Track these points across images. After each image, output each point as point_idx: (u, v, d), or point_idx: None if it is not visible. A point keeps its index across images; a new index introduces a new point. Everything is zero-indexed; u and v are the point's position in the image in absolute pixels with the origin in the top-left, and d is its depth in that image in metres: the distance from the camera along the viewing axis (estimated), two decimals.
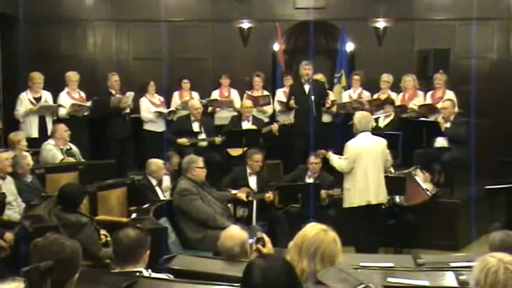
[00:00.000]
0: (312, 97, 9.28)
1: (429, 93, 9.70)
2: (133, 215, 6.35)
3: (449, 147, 8.80)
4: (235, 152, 9.09)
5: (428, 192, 7.87)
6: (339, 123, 10.21)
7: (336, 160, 7.27)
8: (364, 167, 7.00)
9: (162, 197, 7.57)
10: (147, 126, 9.99)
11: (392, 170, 7.65)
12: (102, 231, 6.02)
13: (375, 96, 10.00)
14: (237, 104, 10.18)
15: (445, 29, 11.04)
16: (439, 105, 9.22)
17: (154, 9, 11.04)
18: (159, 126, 9.95)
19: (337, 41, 11.27)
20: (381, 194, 7.09)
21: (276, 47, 11.16)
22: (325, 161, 8.26)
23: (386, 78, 9.96)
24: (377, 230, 7.18)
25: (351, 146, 7.06)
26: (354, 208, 7.06)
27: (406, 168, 8.04)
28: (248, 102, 9.58)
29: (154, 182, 7.70)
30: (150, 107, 9.95)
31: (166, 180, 7.99)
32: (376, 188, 7.03)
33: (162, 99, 10.10)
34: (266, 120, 9.94)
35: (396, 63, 10.71)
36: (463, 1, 10.93)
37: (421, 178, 7.89)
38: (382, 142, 7.16)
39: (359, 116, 7.24)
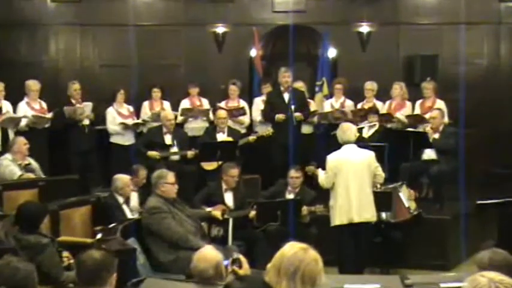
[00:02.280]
0: (292, 106, 9.30)
1: (418, 102, 9.75)
2: (99, 236, 6.28)
3: (437, 159, 8.85)
4: (209, 166, 9.06)
5: (410, 211, 7.79)
6: (320, 135, 10.23)
7: (320, 176, 7.27)
8: (345, 182, 6.99)
9: (129, 216, 7.50)
10: (114, 139, 9.93)
11: (378, 185, 7.65)
12: (65, 253, 5.91)
13: (359, 105, 10.04)
14: (210, 114, 10.21)
15: (432, 34, 11.14)
16: (427, 115, 9.28)
17: (122, 13, 11.01)
18: (127, 139, 9.90)
19: (319, 46, 11.34)
20: (365, 211, 7.04)
21: (253, 52, 11.19)
22: (307, 175, 8.27)
23: (371, 86, 9.99)
24: (362, 250, 7.16)
25: (330, 159, 7.08)
26: (338, 226, 7.04)
27: (392, 182, 8.04)
28: (222, 112, 9.56)
29: (120, 199, 7.61)
30: (116, 117, 9.90)
31: (134, 197, 7.90)
32: (359, 204, 6.99)
33: (131, 109, 10.06)
34: (243, 131, 9.94)
35: (381, 70, 10.78)
36: (451, 4, 11.03)
37: (406, 195, 7.82)
38: (369, 155, 7.15)
39: (342, 128, 7.28)
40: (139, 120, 10.03)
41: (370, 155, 7.15)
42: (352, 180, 6.99)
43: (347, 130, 7.20)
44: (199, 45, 11.28)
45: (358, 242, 7.10)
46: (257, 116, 10.14)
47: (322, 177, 7.16)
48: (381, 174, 7.29)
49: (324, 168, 7.28)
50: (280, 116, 9.32)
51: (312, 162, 7.91)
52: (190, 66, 11.27)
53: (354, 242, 7.07)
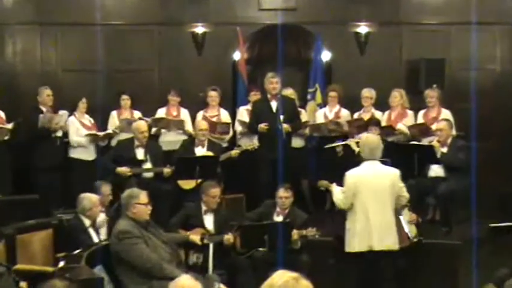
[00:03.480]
0: (281, 117, 9.29)
1: (421, 112, 9.82)
2: (62, 263, 6.24)
3: (446, 176, 8.89)
4: (187, 184, 9.05)
5: (410, 237, 7.64)
6: (312, 148, 10.28)
7: (335, 193, 7.19)
8: (365, 204, 6.89)
9: (96, 241, 7.46)
10: (75, 153, 9.90)
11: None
12: (22, 284, 5.87)
13: (356, 115, 10.10)
14: (188, 125, 10.21)
15: (438, 35, 11.25)
16: (433, 127, 9.34)
17: (88, 10, 11.00)
18: (90, 154, 9.93)
19: (311, 49, 11.40)
20: (387, 237, 6.93)
21: (237, 55, 11.22)
22: (298, 195, 8.28)
23: (369, 93, 10.05)
24: (381, 280, 7.09)
25: (350, 177, 6.97)
26: (354, 254, 6.97)
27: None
28: (203, 123, 9.57)
29: (87, 222, 7.57)
30: (80, 128, 9.90)
31: (102, 218, 7.87)
32: (380, 229, 6.90)
33: (92, 120, 10.09)
34: (224, 145, 9.96)
35: (381, 76, 10.85)
36: (461, 2, 11.13)
37: (407, 219, 7.79)
38: (393, 173, 7.06)
39: (363, 142, 7.24)
40: (111, 130, 10.02)
41: (394, 174, 7.05)
42: (373, 202, 6.89)
43: (367, 145, 7.11)
44: (176, 47, 11.31)
45: (377, 272, 7.03)
46: (239, 127, 10.20)
47: (339, 196, 7.05)
48: (405, 196, 7.19)
49: (339, 185, 7.23)
50: (263, 126, 9.34)
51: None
52: (166, 70, 11.30)
53: (372, 271, 7.00)
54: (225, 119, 10.25)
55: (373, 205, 6.86)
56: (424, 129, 9.50)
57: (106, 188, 8.17)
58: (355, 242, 6.91)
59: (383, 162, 7.96)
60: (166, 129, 10.16)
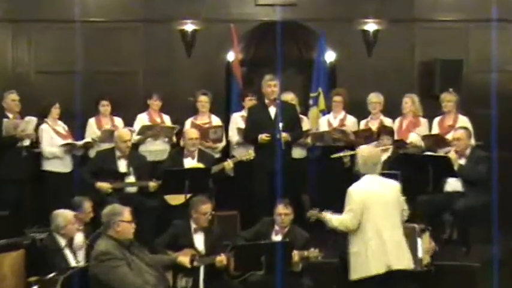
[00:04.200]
0: (280, 124, 9.23)
1: (436, 120, 9.80)
2: None
3: (464, 191, 8.86)
4: (175, 199, 8.99)
5: (421, 264, 7.55)
6: (315, 160, 10.27)
7: (334, 219, 7.14)
8: (375, 221, 6.87)
9: (73, 263, 7.42)
10: (49, 165, 9.83)
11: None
12: None
13: (363, 123, 10.12)
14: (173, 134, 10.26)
15: (455, 34, 11.25)
16: (449, 136, 9.31)
17: (65, 6, 11.04)
18: (66, 165, 9.87)
19: (313, 49, 11.42)
20: (403, 256, 6.95)
21: (231, 56, 11.23)
22: (298, 212, 8.26)
23: (377, 98, 10.05)
24: None
25: (356, 191, 6.94)
26: (367, 279, 6.88)
27: (406, 221, 7.81)
28: (193, 132, 9.55)
29: (62, 241, 7.52)
30: (54, 137, 9.85)
31: (79, 238, 7.82)
32: (397, 247, 6.90)
33: (66, 128, 10.05)
34: (217, 155, 9.95)
35: (391, 79, 10.89)
36: None
37: (424, 245, 7.68)
38: (396, 186, 7.12)
39: (363, 154, 7.17)
40: (89, 139, 9.99)
41: (397, 187, 7.12)
42: (383, 219, 6.89)
43: (369, 158, 7.09)
44: (163, 47, 11.32)
45: None
46: (234, 136, 10.18)
47: (345, 217, 6.97)
48: (407, 210, 7.29)
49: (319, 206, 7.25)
50: (264, 137, 9.29)
51: (314, 208, 7.76)
52: (151, 73, 11.30)
53: None
54: None
55: (384, 221, 6.87)
56: (439, 140, 9.48)
57: (88, 205, 8.14)
58: (371, 264, 6.83)
59: (392, 176, 8.01)
60: (154, 138, 10.15)
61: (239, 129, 10.05)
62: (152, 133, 10.10)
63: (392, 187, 7.08)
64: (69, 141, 9.82)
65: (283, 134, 9.21)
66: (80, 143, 9.88)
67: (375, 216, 6.85)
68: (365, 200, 6.86)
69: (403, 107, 9.88)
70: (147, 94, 10.43)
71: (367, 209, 6.85)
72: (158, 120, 10.29)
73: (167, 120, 10.36)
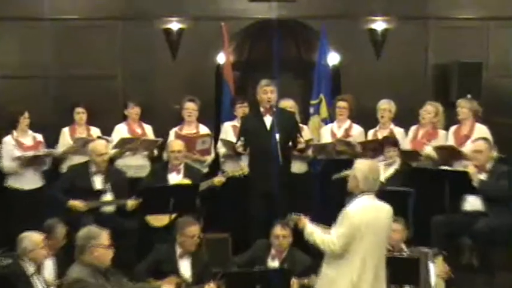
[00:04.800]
0: (277, 135, 9.11)
1: (451, 130, 9.81)
2: None
3: (485, 210, 8.83)
4: (158, 220, 8.97)
5: None
6: (317, 175, 10.29)
7: (318, 235, 7.07)
8: (365, 250, 6.73)
9: None
10: (14, 181, 9.81)
11: (403, 246, 7.62)
12: None
13: (371, 133, 10.13)
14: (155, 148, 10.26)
15: (474, 33, 11.29)
16: (467, 148, 9.31)
17: (33, 1, 11.06)
18: (33, 182, 9.82)
19: (314, 50, 11.43)
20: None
21: (222, 58, 11.26)
22: (298, 234, 8.17)
23: (386, 105, 10.07)
24: None
25: (354, 215, 6.73)
26: None
27: (419, 244, 8.00)
28: (178, 144, 9.53)
29: (30, 268, 7.46)
30: (12, 150, 9.77)
31: (49, 266, 7.79)
32: (375, 278, 6.78)
33: (39, 137, 9.98)
34: (205, 170, 9.99)
35: (402, 84, 10.96)
36: None
37: (437, 269, 7.71)
38: (389, 211, 6.96)
39: (362, 167, 6.92)
40: (56, 150, 10.01)
41: (391, 212, 6.96)
42: (373, 249, 6.77)
43: (370, 173, 6.89)
44: (144, 48, 11.37)
45: None
46: (223, 148, 10.20)
47: (333, 238, 6.77)
48: (406, 229, 7.40)
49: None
50: (238, 145, 9.32)
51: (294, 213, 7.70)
52: (131, 77, 11.37)
53: None
54: None
55: (372, 251, 6.76)
56: (453, 152, 9.48)
57: (61, 230, 8.09)
58: None
59: (403, 193, 8.09)
60: (133, 152, 10.17)
61: (225, 142, 10.08)
62: (131, 147, 10.11)
63: (386, 212, 6.92)
64: (27, 153, 9.73)
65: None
66: (40, 153, 9.81)
67: (366, 246, 6.71)
68: (361, 227, 6.69)
69: (421, 115, 9.88)
70: (126, 103, 10.45)
71: (361, 238, 6.68)
72: (139, 131, 10.31)
73: (149, 130, 10.39)
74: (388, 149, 9.41)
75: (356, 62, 11.37)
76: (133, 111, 10.31)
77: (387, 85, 10.85)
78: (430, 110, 9.82)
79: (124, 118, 10.39)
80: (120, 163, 10.07)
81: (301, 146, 9.51)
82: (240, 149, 9.37)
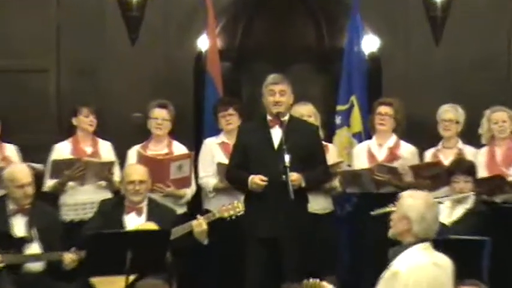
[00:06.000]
0: (287, 157, 8.91)
1: None
2: None
3: None
4: (108, 284, 8.75)
5: None
6: (346, 217, 10.36)
7: None
8: None
9: None
10: None
11: None
12: None
13: (429, 154, 10.13)
14: (116, 172, 10.01)
15: None
16: None
17: None
18: None
19: (342, 31, 11.33)
20: None
21: (204, 43, 11.22)
22: None
23: (451, 114, 10.01)
24: None
25: (407, 277, 6.64)
26: None
27: None
28: (138, 170, 9.26)
29: None
30: None
31: None
32: None
33: None
34: (180, 210, 9.87)
35: (474, 83, 10.84)
36: None
37: None
38: (450, 267, 6.92)
39: (416, 203, 6.83)
40: None
41: (451, 267, 6.94)
42: None
43: (433, 209, 6.82)
44: (89, 28, 11.28)
45: None
46: (210, 177, 10.09)
47: None
48: None
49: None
50: (258, 181, 9.00)
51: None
52: (70, 71, 11.29)
53: None
54: None
55: None
56: None
57: None
58: None
59: (478, 243, 8.17)
60: (79, 182, 10.05)
61: (220, 165, 9.89)
62: (73, 173, 9.90)
63: (448, 268, 6.94)
64: None
65: (294, 175, 8.91)
66: None
67: None
68: None
69: (496, 128, 9.83)
70: (71, 108, 10.34)
71: None
72: (89, 150, 10.16)
73: (106, 150, 10.27)
74: (457, 178, 9.24)
75: (404, 49, 11.28)
76: (87, 120, 10.10)
77: (451, 83, 10.78)
78: (504, 118, 9.84)
79: (69, 132, 10.24)
80: (65, 200, 10.03)
81: (323, 173, 9.41)
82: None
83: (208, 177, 10.05)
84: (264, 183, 8.91)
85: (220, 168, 9.88)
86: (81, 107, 10.12)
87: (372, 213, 9.20)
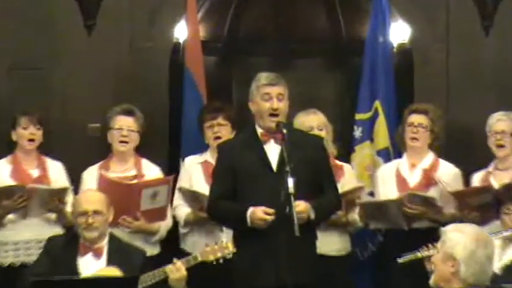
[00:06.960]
0: (290, 181, 8.81)
1: None
2: None
3: None
4: None
5: None
6: (368, 260, 10.48)
7: None
8: None
9: None
10: None
11: None
12: None
13: (477, 178, 10.00)
14: (69, 205, 9.87)
15: None
16: None
17: None
18: None
19: (364, 19, 11.40)
20: None
21: (183, 33, 11.30)
22: None
23: (505, 125, 9.97)
24: None
25: None
26: None
27: None
28: (95, 197, 9.22)
29: None
30: None
31: None
32: None
33: None
34: (153, 251, 9.92)
35: None
36: None
37: None
38: None
39: (465, 240, 6.78)
40: None
41: None
42: None
43: (486, 247, 6.78)
44: (37, 15, 11.39)
45: None
46: (183, 206, 10.15)
47: None
48: None
49: None
50: (261, 215, 8.89)
51: None
52: (9, 69, 11.38)
53: None
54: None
55: None
56: None
57: None
58: None
59: None
60: (20, 215, 10.08)
61: (190, 194, 9.95)
62: (14, 203, 9.91)
63: None
64: None
65: (300, 205, 8.82)
66: None
67: None
68: None
69: None
70: (12, 118, 10.30)
71: None
72: (36, 173, 10.17)
73: (57, 172, 10.27)
74: (509, 209, 9.26)
75: (443, 40, 11.35)
76: (26, 134, 10.09)
77: (504, 84, 10.76)
78: None
79: (9, 147, 10.29)
80: (3, 238, 10.09)
81: (336, 201, 9.37)
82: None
83: (182, 206, 10.08)
84: (271, 217, 8.77)
85: (186, 194, 9.98)
86: (20, 116, 10.09)
87: (400, 260, 9.22)
